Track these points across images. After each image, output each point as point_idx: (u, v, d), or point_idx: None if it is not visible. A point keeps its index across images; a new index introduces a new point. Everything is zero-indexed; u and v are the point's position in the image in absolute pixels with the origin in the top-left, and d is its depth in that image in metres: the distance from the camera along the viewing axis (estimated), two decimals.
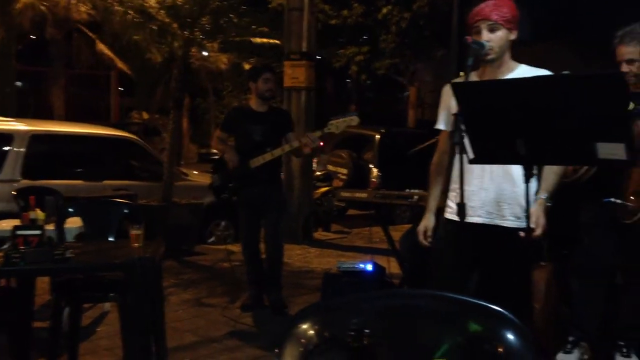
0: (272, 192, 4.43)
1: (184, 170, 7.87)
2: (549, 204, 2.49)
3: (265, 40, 7.92)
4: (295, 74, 7.05)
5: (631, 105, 2.96)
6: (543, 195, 2.49)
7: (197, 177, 7.51)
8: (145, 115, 20.12)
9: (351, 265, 3.91)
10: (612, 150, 1.97)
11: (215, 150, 5.09)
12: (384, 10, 13.81)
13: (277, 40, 8.00)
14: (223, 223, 7.03)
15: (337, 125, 4.17)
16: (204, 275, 5.57)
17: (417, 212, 4.93)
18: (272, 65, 5.13)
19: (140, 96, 16.96)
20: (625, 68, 2.97)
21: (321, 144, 4.36)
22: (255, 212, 4.42)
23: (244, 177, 4.35)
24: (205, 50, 6.50)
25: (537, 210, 2.42)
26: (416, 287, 3.93)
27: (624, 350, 3.07)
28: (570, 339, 3.20)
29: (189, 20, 6.28)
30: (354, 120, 4.18)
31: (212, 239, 7.02)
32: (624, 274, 3.22)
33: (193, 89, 11.47)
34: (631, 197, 2.41)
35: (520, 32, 2.71)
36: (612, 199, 2.48)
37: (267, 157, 4.27)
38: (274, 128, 4.39)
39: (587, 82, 2.01)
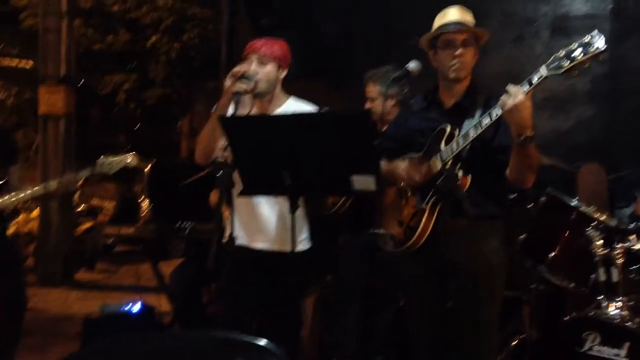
0: None
1: None
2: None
3: (16, 61, 7.16)
4: (52, 100, 6.46)
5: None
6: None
7: None
8: None
9: (116, 308, 3.64)
10: (364, 183, 2.14)
11: None
12: (153, 39, 13.49)
13: (31, 61, 7.30)
14: None
15: (110, 165, 3.37)
16: None
17: (191, 245, 4.86)
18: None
19: None
20: (368, 105, 3.31)
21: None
22: None
23: None
24: None
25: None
26: (188, 324, 3.81)
27: None
28: None
29: None
30: (131, 160, 3.45)
31: None
32: (378, 295, 3.51)
33: None
34: (397, 227, 2.65)
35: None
36: (376, 230, 2.69)
37: None
38: None
39: (339, 119, 2.17)
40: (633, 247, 2.75)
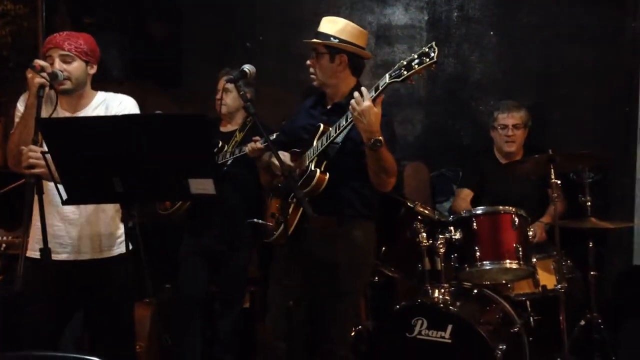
0: None
1: None
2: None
3: None
4: None
5: (221, 144, 3.29)
6: None
7: None
8: None
9: None
10: (203, 186, 2.08)
11: None
12: None
13: None
14: None
15: None
16: None
17: (6, 263, 4.40)
18: None
19: None
20: (219, 96, 3.28)
21: None
22: None
23: None
24: None
25: None
26: (10, 347, 3.47)
27: None
28: None
29: None
30: None
31: None
32: (220, 301, 3.46)
33: None
34: (270, 218, 2.67)
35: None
36: (255, 219, 2.69)
37: None
38: None
39: (174, 121, 2.10)
40: (453, 237, 3.02)
